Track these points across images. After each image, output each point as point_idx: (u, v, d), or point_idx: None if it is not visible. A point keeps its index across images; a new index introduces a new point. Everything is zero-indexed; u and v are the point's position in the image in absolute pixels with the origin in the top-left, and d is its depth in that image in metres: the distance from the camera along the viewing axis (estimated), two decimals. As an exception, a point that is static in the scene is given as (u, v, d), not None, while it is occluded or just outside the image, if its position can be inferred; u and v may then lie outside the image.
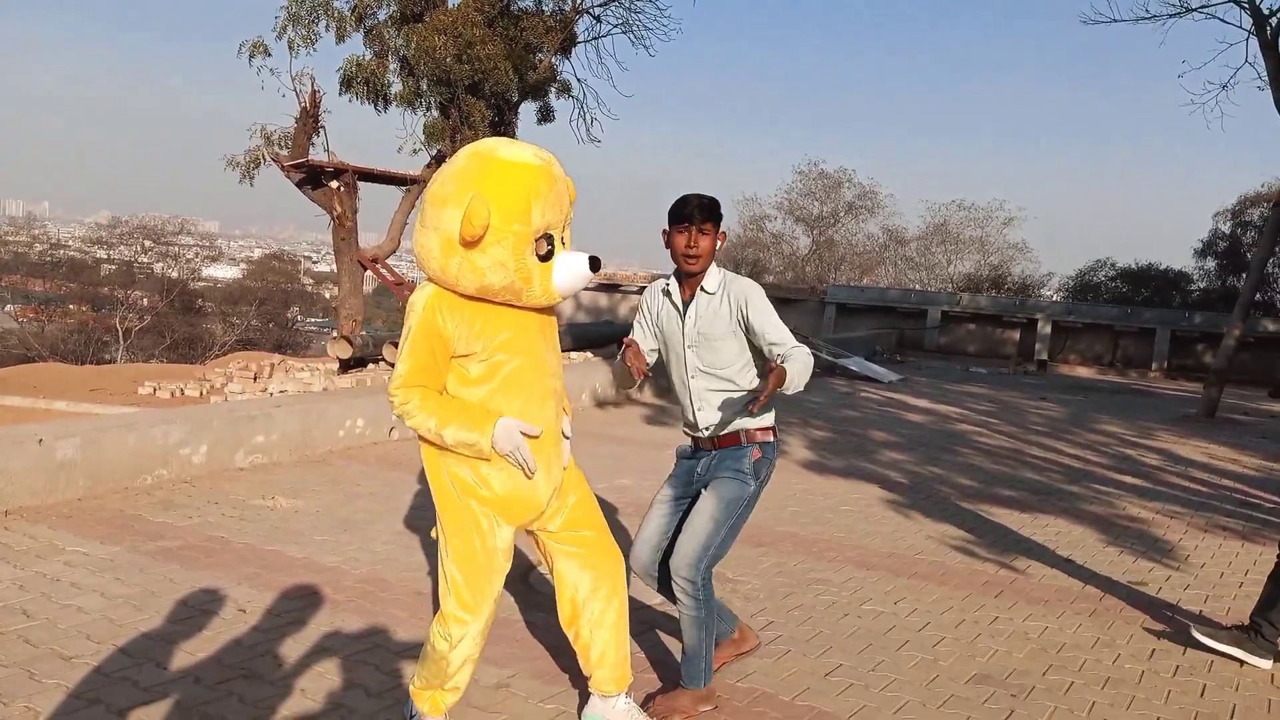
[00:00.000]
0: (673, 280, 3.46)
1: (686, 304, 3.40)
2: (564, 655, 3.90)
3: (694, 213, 3.28)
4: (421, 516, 5.77)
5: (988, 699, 3.74)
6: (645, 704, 3.43)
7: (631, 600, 3.45)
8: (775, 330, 3.29)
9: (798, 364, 3.13)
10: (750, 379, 3.41)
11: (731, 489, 3.38)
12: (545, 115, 15.23)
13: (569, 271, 2.91)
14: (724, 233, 3.44)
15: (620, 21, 15.91)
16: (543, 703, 3.50)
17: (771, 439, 3.46)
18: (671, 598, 3.47)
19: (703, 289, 3.39)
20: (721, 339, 3.36)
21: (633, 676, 3.32)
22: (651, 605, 4.43)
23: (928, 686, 3.79)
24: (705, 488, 3.45)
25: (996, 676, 3.95)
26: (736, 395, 3.37)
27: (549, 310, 3.05)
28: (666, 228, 3.34)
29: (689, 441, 3.58)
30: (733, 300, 3.34)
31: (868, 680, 3.82)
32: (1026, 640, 4.37)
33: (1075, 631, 4.51)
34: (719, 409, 3.39)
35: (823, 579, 5.08)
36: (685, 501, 3.54)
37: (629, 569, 3.42)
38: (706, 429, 3.43)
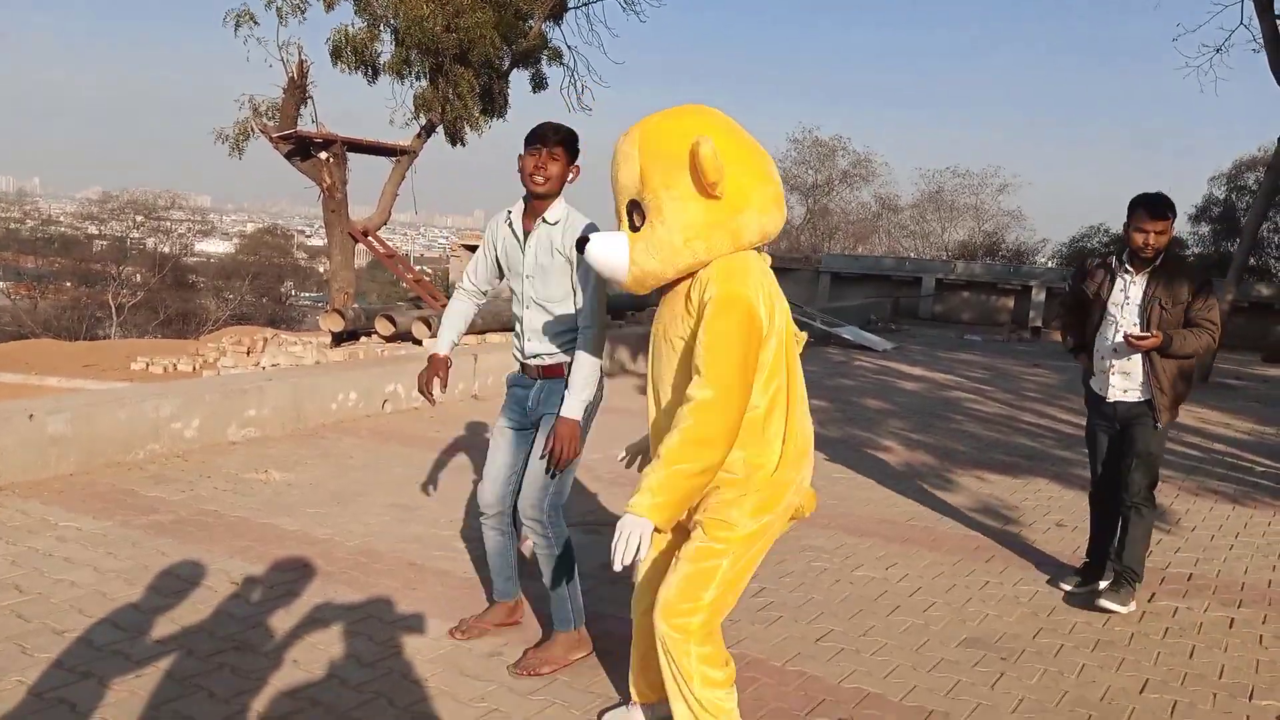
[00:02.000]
0: (516, 209, 3.48)
1: (528, 234, 3.43)
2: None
3: (547, 133, 3.31)
4: (413, 489, 5.78)
5: (978, 662, 3.76)
6: (519, 660, 3.50)
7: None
8: (585, 301, 3.35)
9: (579, 375, 3.35)
10: (583, 318, 3.42)
11: (551, 421, 3.45)
12: (539, 83, 15.11)
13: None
14: (578, 167, 3.43)
15: (611, -13, 15.75)
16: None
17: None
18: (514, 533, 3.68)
19: (544, 219, 3.40)
20: (559, 272, 3.39)
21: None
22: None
23: (918, 651, 3.81)
24: (540, 419, 3.50)
25: (987, 640, 3.98)
26: (563, 331, 3.45)
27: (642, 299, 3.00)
28: (523, 150, 3.37)
29: (518, 368, 3.62)
30: (563, 230, 3.37)
31: (859, 645, 3.84)
32: (1017, 604, 4.40)
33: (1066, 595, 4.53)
34: (548, 340, 3.45)
35: (814, 545, 5.10)
36: (526, 433, 3.57)
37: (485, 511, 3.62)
38: (534, 358, 3.50)
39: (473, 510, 5.37)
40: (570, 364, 3.42)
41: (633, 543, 2.41)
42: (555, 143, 3.31)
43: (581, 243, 2.67)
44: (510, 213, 3.51)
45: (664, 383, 2.73)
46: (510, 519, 3.66)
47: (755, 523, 2.68)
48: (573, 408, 3.36)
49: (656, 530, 2.49)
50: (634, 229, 2.60)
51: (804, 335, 2.77)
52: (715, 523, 2.65)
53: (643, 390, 9.73)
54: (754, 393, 2.55)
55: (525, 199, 3.45)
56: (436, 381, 3.58)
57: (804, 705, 3.37)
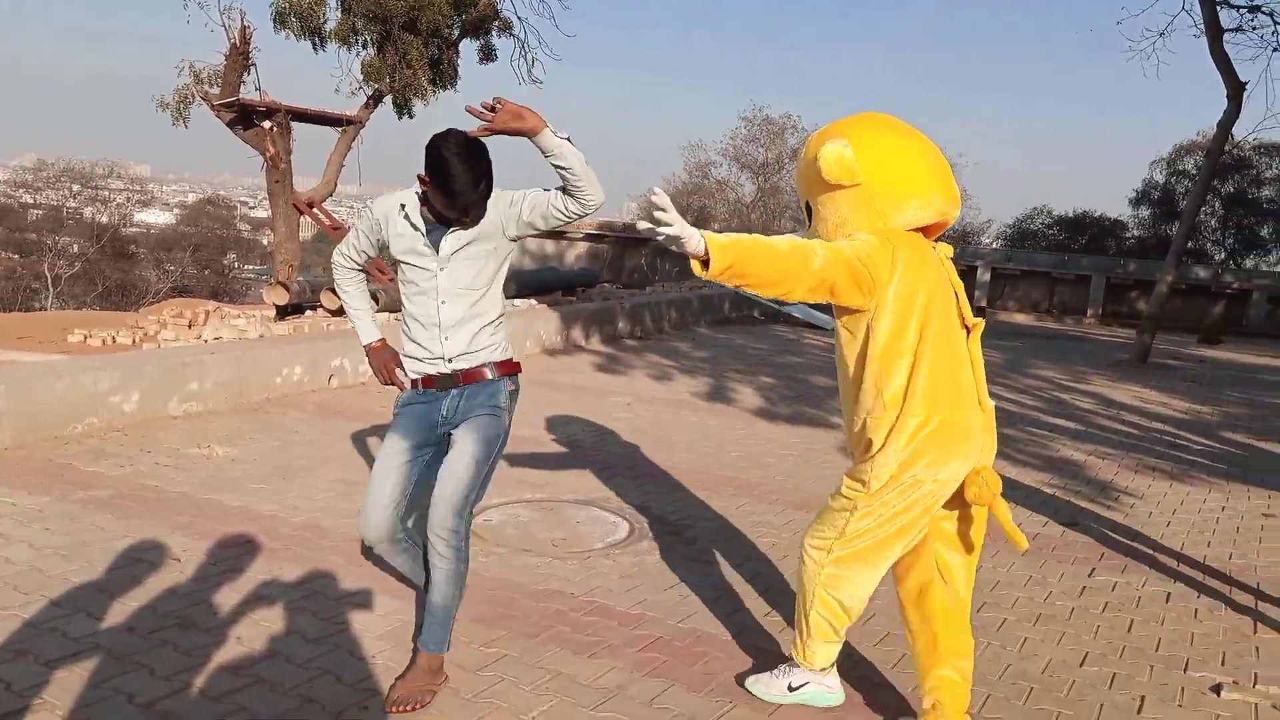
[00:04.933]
0: (412, 198, 3.08)
1: (434, 223, 3.04)
2: (503, 603, 3.90)
3: (460, 191, 2.89)
4: (360, 464, 5.70)
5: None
6: (394, 698, 3.06)
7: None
8: (539, 194, 3.03)
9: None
10: (499, 308, 3.20)
11: (490, 426, 3.15)
12: (487, 54, 14.88)
13: None
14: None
15: (564, -41, 15.54)
16: (483, 646, 3.49)
17: (519, 370, 3.29)
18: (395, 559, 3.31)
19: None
20: (484, 257, 3.09)
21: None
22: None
23: (865, 625, 3.85)
24: (456, 429, 3.16)
25: (932, 614, 4.02)
26: (485, 325, 3.15)
27: None
28: (429, 170, 2.92)
29: (410, 382, 3.21)
30: (499, 204, 3.05)
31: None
32: (962, 579, 4.46)
33: (1009, 570, 4.61)
34: (470, 336, 3.13)
35: (763, 521, 5.12)
36: (426, 451, 3.21)
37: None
38: (452, 360, 3.13)
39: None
40: (491, 364, 3.18)
41: (673, 225, 2.54)
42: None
43: None
44: (404, 205, 3.11)
45: (840, 358, 3.07)
46: (405, 535, 3.30)
47: (878, 483, 2.92)
48: (562, 136, 2.89)
49: (694, 258, 2.63)
50: (809, 225, 3.09)
51: (979, 321, 3.01)
52: (850, 477, 3.03)
53: (599, 367, 9.73)
54: (882, 366, 2.89)
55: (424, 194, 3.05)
56: (398, 370, 3.24)
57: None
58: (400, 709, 3.01)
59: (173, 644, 3.34)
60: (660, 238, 2.57)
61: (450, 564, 3.09)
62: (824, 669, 3.20)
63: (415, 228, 3.09)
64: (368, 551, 4.21)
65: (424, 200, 3.04)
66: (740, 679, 3.36)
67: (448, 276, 3.08)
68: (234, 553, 4.21)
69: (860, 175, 2.86)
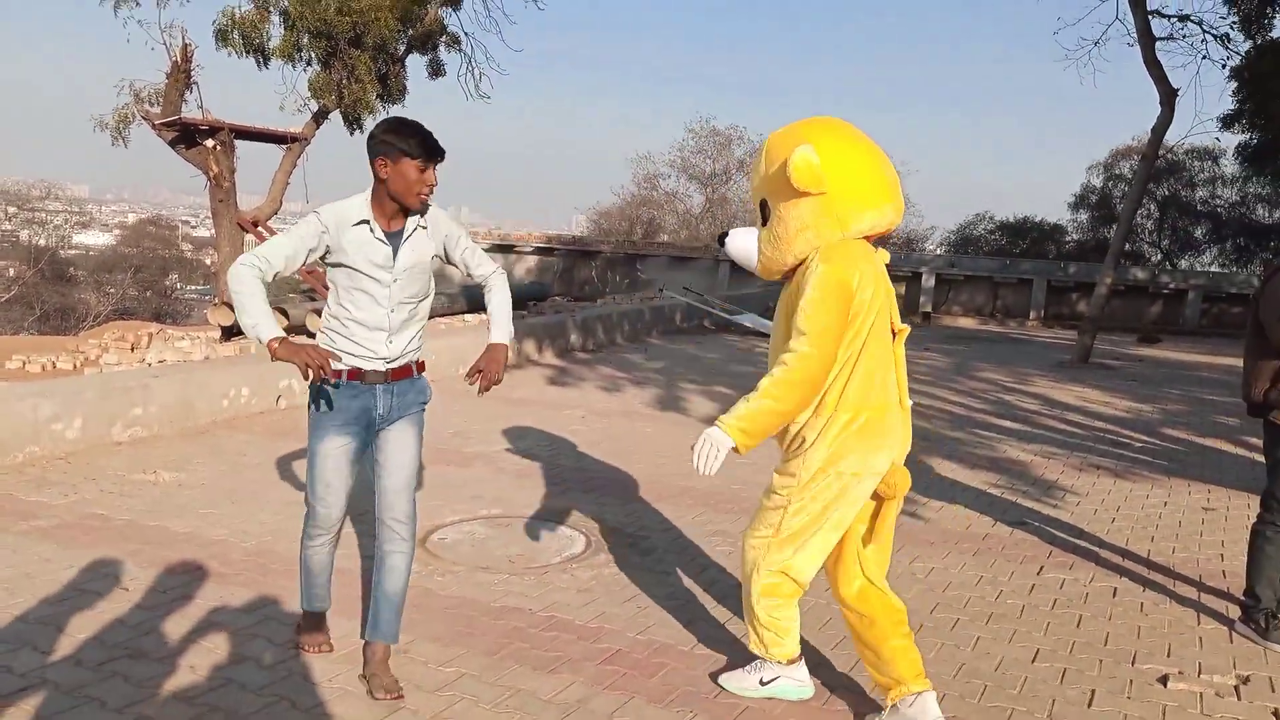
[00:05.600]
0: (367, 209, 3.15)
1: (393, 235, 3.17)
2: (462, 621, 3.88)
3: (439, 148, 3.12)
4: (313, 485, 5.64)
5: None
6: (378, 685, 3.25)
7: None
8: (479, 257, 3.41)
9: (505, 311, 3.41)
10: (428, 305, 3.41)
11: (420, 420, 3.41)
12: (436, 70, 14.85)
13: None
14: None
15: (508, -26, 15.58)
16: (441, 666, 3.47)
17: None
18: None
19: (419, 223, 3.22)
20: (426, 271, 3.28)
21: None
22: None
23: (821, 630, 3.89)
24: (392, 425, 3.32)
25: (887, 618, 4.08)
26: (419, 329, 3.37)
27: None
28: (387, 151, 3.05)
29: (335, 378, 3.20)
30: (440, 233, 3.29)
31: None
32: (915, 580, 4.52)
33: (960, 571, 4.68)
34: (408, 339, 3.30)
35: (719, 530, 5.15)
36: (367, 444, 3.35)
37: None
38: (394, 360, 3.27)
39: (365, 506, 5.27)
40: (414, 362, 3.36)
41: (714, 454, 2.96)
42: (442, 157, 3.13)
43: (722, 237, 3.26)
44: (364, 219, 3.15)
45: (777, 354, 3.09)
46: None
47: (807, 474, 3.06)
48: (506, 334, 3.37)
49: (735, 450, 2.97)
50: (764, 223, 3.13)
51: (906, 327, 3.14)
52: (780, 473, 3.17)
53: (551, 381, 9.71)
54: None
55: (376, 203, 3.16)
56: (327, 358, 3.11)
57: (713, 688, 3.40)
58: (394, 695, 3.21)
59: (124, 675, 3.28)
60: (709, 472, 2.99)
61: (409, 550, 3.36)
62: (790, 661, 3.29)
63: (380, 240, 3.17)
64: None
65: (375, 203, 3.16)
66: (714, 676, 3.44)
67: (400, 288, 3.21)
68: (183, 580, 4.14)
69: (826, 183, 2.94)
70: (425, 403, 3.41)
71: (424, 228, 3.25)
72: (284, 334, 3.04)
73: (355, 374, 3.24)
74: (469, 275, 3.43)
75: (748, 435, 2.97)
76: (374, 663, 3.29)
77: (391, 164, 3.07)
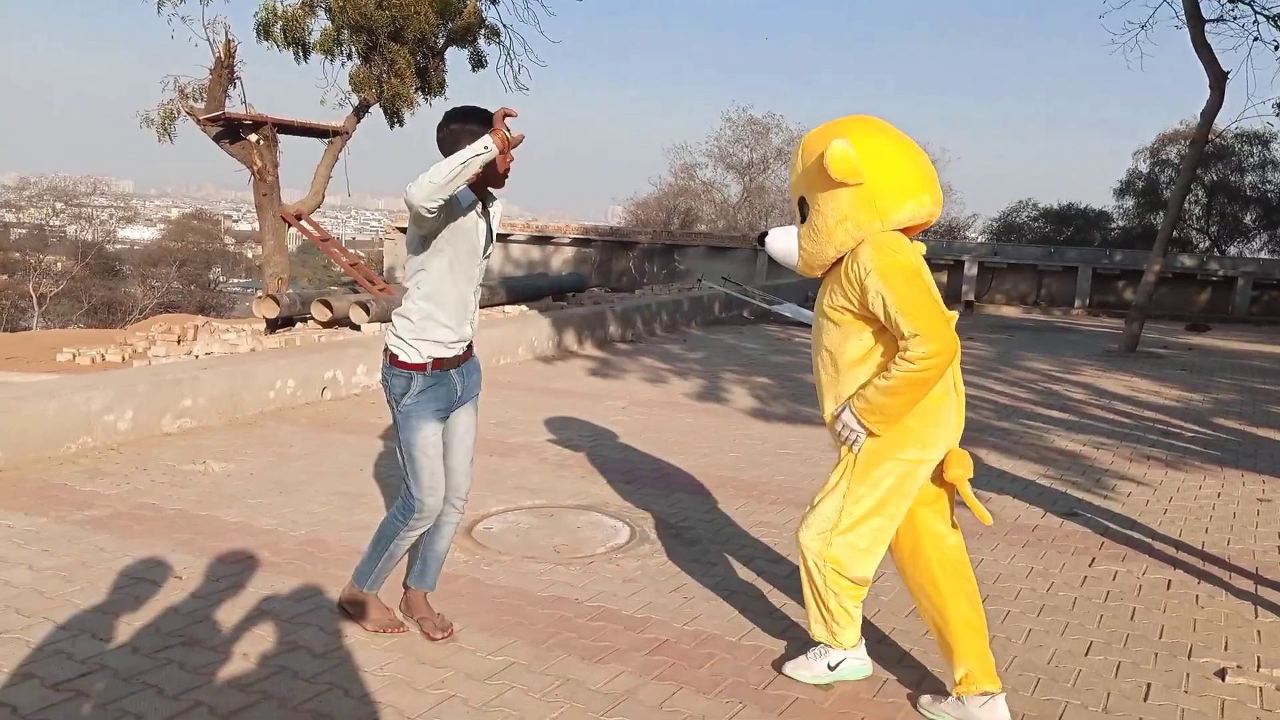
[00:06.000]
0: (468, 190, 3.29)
1: (486, 215, 3.42)
2: (510, 611, 3.90)
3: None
4: (357, 476, 5.69)
5: (927, 631, 3.81)
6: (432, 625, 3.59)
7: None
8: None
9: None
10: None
11: (478, 401, 3.60)
12: (478, 62, 14.89)
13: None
14: None
15: (546, -35, 15.57)
16: (491, 655, 3.49)
17: None
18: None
19: (495, 203, 3.47)
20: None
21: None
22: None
23: (870, 620, 3.86)
24: (463, 405, 3.51)
25: (936, 609, 4.04)
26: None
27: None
28: (472, 138, 3.05)
29: (428, 364, 3.32)
30: (496, 214, 3.51)
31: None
32: (964, 573, 4.47)
33: (1010, 562, 4.63)
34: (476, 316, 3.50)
35: (764, 521, 5.13)
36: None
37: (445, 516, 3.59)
38: (467, 341, 3.45)
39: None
40: (472, 341, 3.52)
41: (855, 437, 3.08)
42: None
43: (761, 237, 3.34)
44: (480, 199, 3.35)
45: (819, 347, 3.20)
46: None
47: (869, 463, 3.11)
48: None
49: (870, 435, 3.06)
50: (803, 220, 3.16)
51: (954, 313, 3.09)
52: (842, 462, 3.18)
53: (592, 372, 9.73)
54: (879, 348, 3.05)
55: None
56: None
57: (761, 679, 3.39)
58: (448, 631, 3.57)
59: (179, 663, 3.33)
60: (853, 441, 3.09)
61: (459, 519, 3.64)
62: (854, 645, 3.34)
63: (479, 217, 3.36)
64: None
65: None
66: (777, 666, 3.45)
67: (484, 266, 3.46)
68: (235, 569, 4.19)
69: (863, 175, 2.96)
70: (480, 378, 3.61)
71: (497, 200, 3.48)
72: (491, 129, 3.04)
73: (438, 364, 3.37)
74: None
75: (882, 424, 3.03)
76: (422, 606, 3.64)
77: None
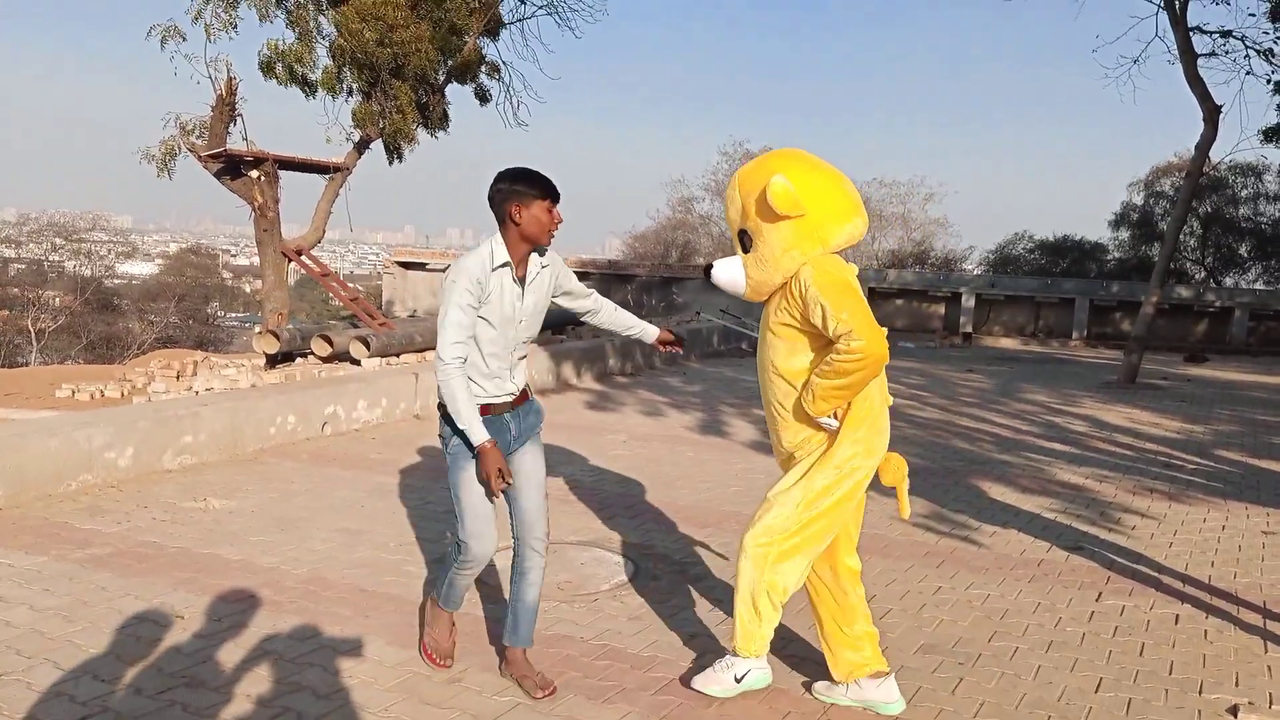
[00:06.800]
0: (498, 253, 3.31)
1: (523, 280, 3.39)
2: (561, 666, 3.86)
3: (558, 189, 3.36)
4: (359, 512, 5.66)
5: (936, 668, 3.79)
6: (534, 683, 3.48)
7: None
8: (581, 285, 3.70)
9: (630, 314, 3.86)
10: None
11: (541, 440, 3.61)
12: (483, 97, 15.00)
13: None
14: None
15: (546, 3, 15.72)
16: (496, 695, 3.45)
17: None
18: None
19: (539, 263, 3.44)
20: (544, 311, 3.50)
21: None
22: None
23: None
24: (524, 446, 3.52)
25: (944, 646, 4.01)
26: (525, 359, 3.54)
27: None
28: (519, 198, 3.26)
29: (468, 414, 3.27)
30: (556, 269, 3.53)
31: (818, 655, 3.83)
32: (970, 609, 4.45)
33: (1016, 598, 4.60)
34: (523, 371, 3.53)
35: (769, 557, 5.09)
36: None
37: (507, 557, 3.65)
38: (515, 392, 3.47)
39: (424, 533, 5.28)
40: (527, 387, 3.55)
41: (835, 426, 3.32)
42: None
43: (708, 269, 3.52)
44: (505, 261, 3.31)
45: (767, 363, 3.42)
46: None
47: (828, 472, 3.33)
48: (653, 327, 3.94)
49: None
50: (745, 250, 3.40)
51: (883, 329, 3.29)
52: (796, 471, 3.41)
53: (591, 405, 9.72)
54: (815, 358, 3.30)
55: (511, 248, 3.32)
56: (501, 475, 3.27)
57: (770, 718, 3.36)
58: (550, 689, 3.45)
59: (182, 704, 3.29)
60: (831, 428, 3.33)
61: (544, 564, 3.57)
62: (759, 654, 3.48)
63: (515, 282, 3.36)
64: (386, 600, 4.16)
65: (511, 248, 3.32)
66: (685, 681, 3.56)
67: (524, 328, 3.43)
68: (237, 608, 4.16)
69: (804, 207, 3.23)
70: (542, 419, 3.62)
71: (546, 267, 3.46)
72: (490, 439, 3.24)
73: (485, 410, 3.36)
74: (574, 302, 3.69)
75: (825, 409, 3.28)
76: (521, 664, 3.53)
77: (524, 208, 3.27)
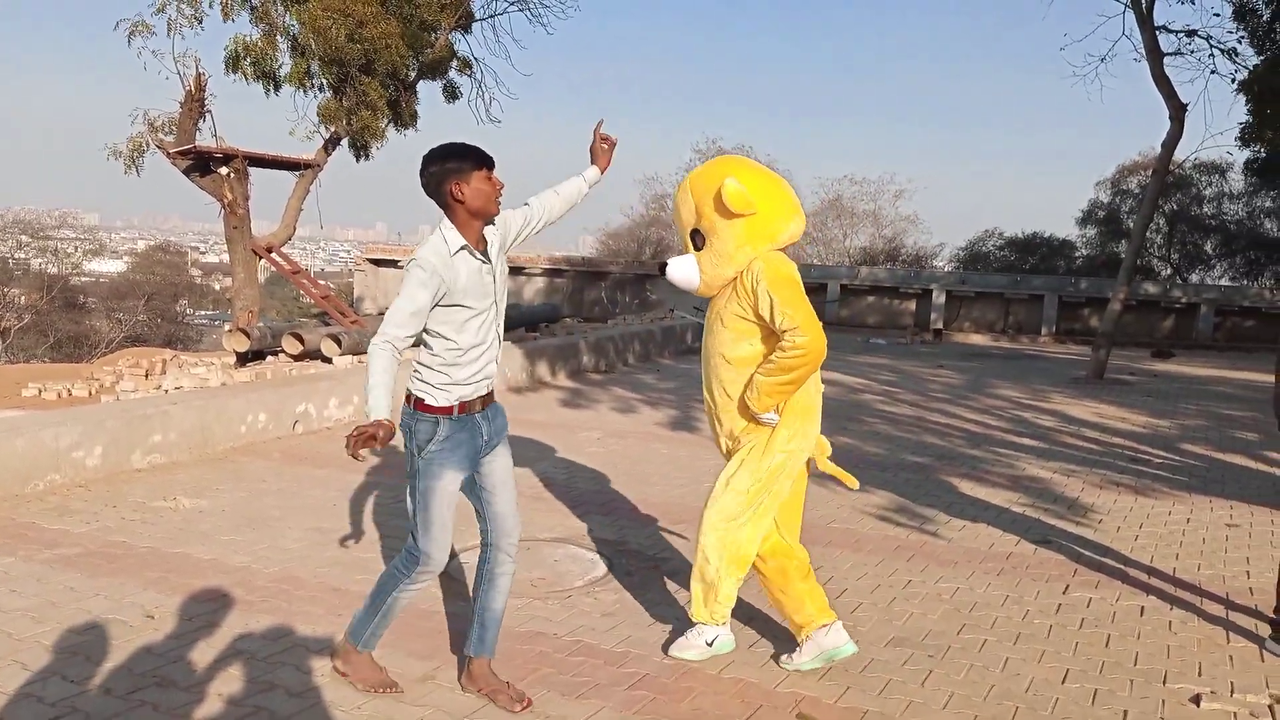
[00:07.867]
0: (451, 239, 3.14)
1: (485, 253, 3.22)
2: (535, 663, 3.86)
3: (490, 156, 3.17)
4: (331, 512, 5.64)
5: (906, 660, 3.84)
6: (510, 699, 3.35)
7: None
8: (527, 209, 3.50)
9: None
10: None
11: (508, 442, 3.51)
12: (452, 94, 14.93)
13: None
14: None
15: (517, -1, 15.68)
16: (469, 693, 3.46)
17: None
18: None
19: (486, 236, 3.25)
20: (506, 274, 3.38)
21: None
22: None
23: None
24: (494, 450, 3.39)
25: (914, 638, 4.06)
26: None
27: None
28: (456, 175, 3.11)
29: (446, 405, 3.20)
30: (499, 232, 3.31)
31: (790, 649, 3.87)
32: (940, 601, 4.50)
33: (985, 590, 4.66)
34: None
35: (741, 553, 5.12)
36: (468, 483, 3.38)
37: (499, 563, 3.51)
38: (491, 378, 3.32)
39: (397, 531, 5.27)
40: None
41: (775, 420, 3.63)
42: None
43: (662, 267, 3.76)
44: (462, 244, 3.14)
45: (714, 352, 3.71)
46: None
47: (773, 455, 3.66)
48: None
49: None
50: (698, 249, 3.68)
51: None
52: (745, 455, 3.70)
53: (565, 403, 9.71)
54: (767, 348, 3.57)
55: (460, 226, 3.15)
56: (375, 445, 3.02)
57: (743, 711, 3.39)
58: (525, 704, 3.34)
59: (152, 704, 3.27)
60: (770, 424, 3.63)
61: (514, 569, 3.51)
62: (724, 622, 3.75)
63: (481, 261, 3.20)
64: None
65: (462, 230, 3.16)
66: (665, 649, 3.83)
67: (500, 302, 3.30)
68: (208, 607, 4.14)
69: (755, 206, 3.52)
70: (507, 421, 3.53)
71: (495, 234, 3.29)
72: (389, 417, 3.02)
73: (464, 407, 3.23)
74: (538, 222, 3.53)
75: (768, 405, 3.60)
76: (489, 677, 3.41)
77: (464, 184, 3.12)
